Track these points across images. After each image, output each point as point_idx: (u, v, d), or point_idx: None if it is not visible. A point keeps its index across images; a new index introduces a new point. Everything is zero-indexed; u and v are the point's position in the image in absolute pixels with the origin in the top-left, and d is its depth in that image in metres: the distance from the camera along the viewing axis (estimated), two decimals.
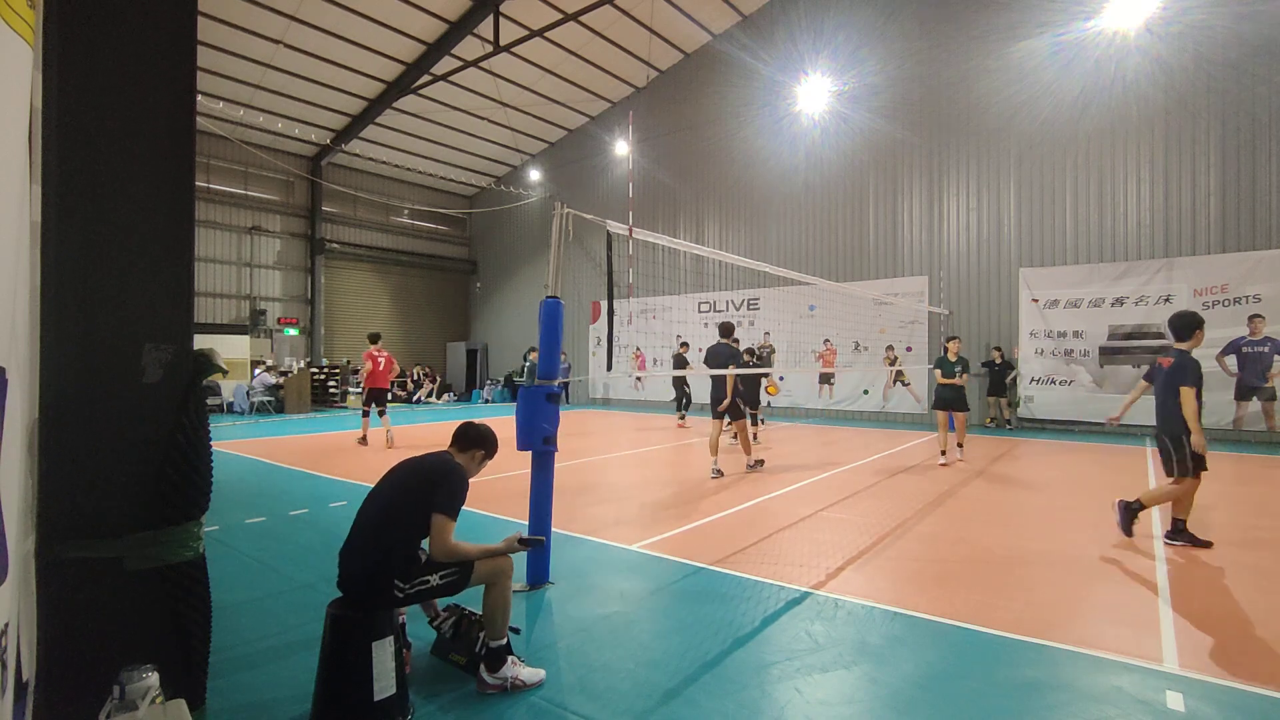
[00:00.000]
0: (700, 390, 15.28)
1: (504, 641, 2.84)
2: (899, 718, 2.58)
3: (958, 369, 8.74)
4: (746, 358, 11.07)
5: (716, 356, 8.09)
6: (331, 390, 19.64)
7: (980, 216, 13.62)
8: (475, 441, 3.08)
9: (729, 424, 8.58)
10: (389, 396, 11.21)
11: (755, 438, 10.53)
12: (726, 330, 8.50)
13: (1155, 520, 5.66)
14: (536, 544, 3.17)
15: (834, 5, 15.35)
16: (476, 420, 3.19)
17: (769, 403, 16.56)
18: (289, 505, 6.36)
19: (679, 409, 14.40)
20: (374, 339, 11.10)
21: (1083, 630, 3.39)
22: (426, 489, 2.74)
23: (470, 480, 3.01)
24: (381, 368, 10.84)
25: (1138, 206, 11.98)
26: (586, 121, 20.77)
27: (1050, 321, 12.76)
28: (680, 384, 14.67)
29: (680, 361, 13.58)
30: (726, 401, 8.06)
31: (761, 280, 16.21)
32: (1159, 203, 11.78)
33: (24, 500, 1.74)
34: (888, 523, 5.64)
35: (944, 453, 8.76)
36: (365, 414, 10.95)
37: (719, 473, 7.80)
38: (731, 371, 7.87)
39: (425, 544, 2.81)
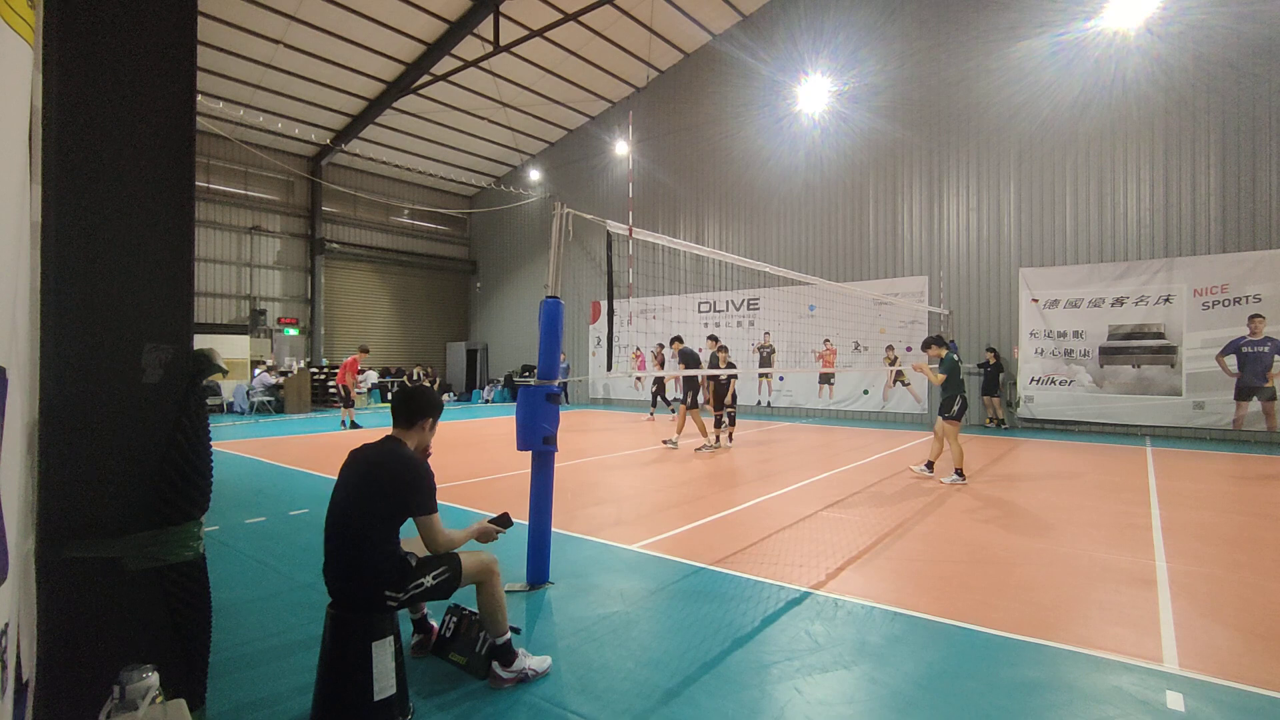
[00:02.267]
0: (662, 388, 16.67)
1: (507, 637, 2.85)
2: (899, 718, 2.58)
3: (932, 367, 7.97)
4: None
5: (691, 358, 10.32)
6: (331, 390, 19.63)
7: (980, 216, 13.62)
8: (421, 410, 2.77)
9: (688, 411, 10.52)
10: (348, 392, 13.82)
11: (730, 438, 11.10)
12: (681, 340, 10.87)
13: (1155, 515, 5.66)
14: (507, 523, 3.05)
15: (834, 5, 15.35)
16: (408, 385, 3.01)
17: (768, 402, 16.58)
18: (289, 505, 6.36)
19: (655, 405, 15.91)
20: (361, 350, 14.20)
21: (1083, 630, 3.39)
22: (395, 498, 2.57)
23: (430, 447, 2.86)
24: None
25: (1138, 206, 11.98)
26: (586, 121, 20.77)
27: (1050, 321, 12.75)
28: (662, 383, 15.96)
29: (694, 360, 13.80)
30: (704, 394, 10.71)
31: (761, 280, 16.21)
32: (1159, 203, 11.78)
33: (24, 500, 1.74)
34: (888, 523, 5.64)
35: (931, 465, 7.94)
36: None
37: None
38: (725, 372, 9.52)
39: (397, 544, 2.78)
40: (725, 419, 10.65)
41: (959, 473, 7.47)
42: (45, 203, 1.97)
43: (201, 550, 2.41)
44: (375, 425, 14.10)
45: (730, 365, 10.67)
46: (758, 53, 16.63)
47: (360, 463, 2.64)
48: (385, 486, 2.55)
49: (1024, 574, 4.29)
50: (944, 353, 7.89)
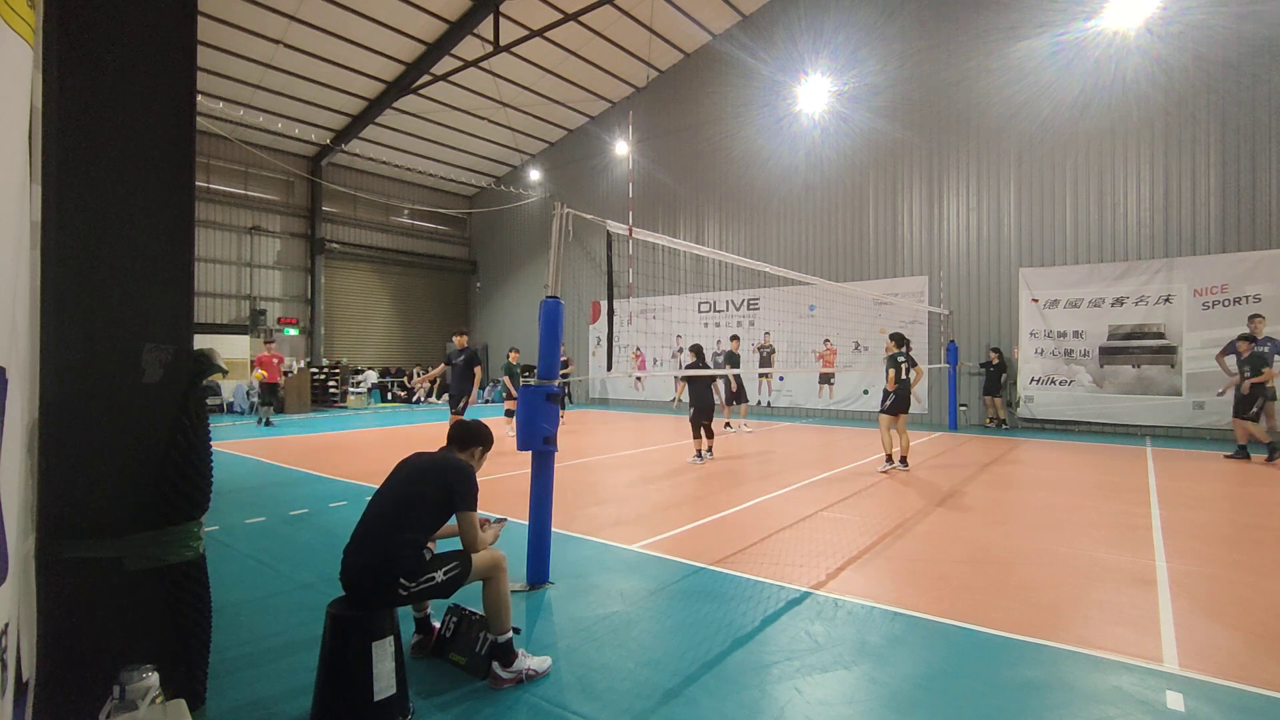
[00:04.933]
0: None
1: (509, 635, 2.87)
2: (899, 718, 2.58)
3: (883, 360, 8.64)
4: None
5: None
6: (331, 390, 19.64)
7: (980, 216, 13.62)
8: (472, 439, 3.17)
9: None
10: (275, 389, 14.37)
11: (710, 450, 9.51)
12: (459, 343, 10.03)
13: (1155, 515, 5.66)
14: (501, 523, 3.39)
15: (834, 5, 15.35)
16: (467, 419, 3.26)
17: (768, 402, 16.58)
18: (289, 505, 6.36)
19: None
20: (267, 341, 14.65)
21: (1083, 630, 3.39)
22: (443, 490, 2.83)
23: None
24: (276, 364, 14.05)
25: (1138, 206, 11.98)
26: (586, 121, 20.77)
27: (1050, 321, 12.75)
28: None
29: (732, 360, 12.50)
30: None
31: (761, 280, 16.20)
32: (1159, 203, 11.78)
33: (24, 500, 1.74)
34: (888, 523, 5.64)
35: (890, 458, 8.35)
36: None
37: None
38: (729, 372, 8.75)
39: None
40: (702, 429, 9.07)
41: (889, 459, 8.35)
42: (45, 203, 1.97)
43: (201, 550, 2.41)
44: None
45: (695, 365, 9.23)
46: (758, 53, 16.62)
47: (420, 459, 2.99)
48: (433, 482, 2.85)
49: (1024, 574, 4.29)
50: (893, 351, 8.51)
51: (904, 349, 8.54)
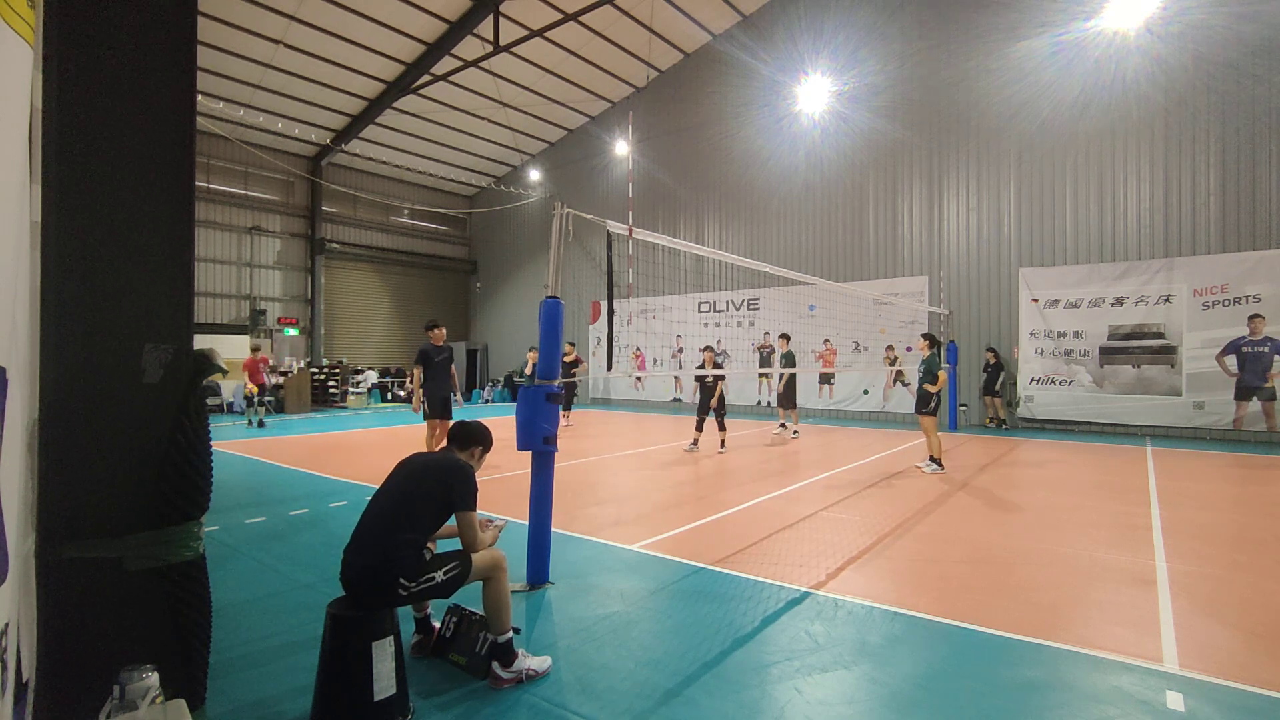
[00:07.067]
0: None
1: (509, 635, 2.87)
2: (899, 718, 2.58)
3: (923, 361, 8.46)
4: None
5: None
6: (331, 390, 19.64)
7: (980, 216, 13.62)
8: (472, 439, 3.20)
9: None
10: (262, 391, 14.22)
11: (722, 444, 10.21)
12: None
13: (1155, 515, 5.66)
14: (501, 525, 3.44)
15: (834, 5, 15.35)
16: (467, 420, 3.28)
17: (768, 402, 16.57)
18: (289, 505, 6.36)
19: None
20: (254, 349, 14.16)
21: (1083, 630, 3.39)
22: (443, 489, 2.84)
23: None
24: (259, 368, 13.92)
25: (1138, 206, 11.98)
26: (586, 121, 20.77)
27: (1050, 321, 12.75)
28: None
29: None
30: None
31: (761, 280, 16.20)
32: (1159, 203, 11.78)
33: (24, 500, 1.74)
34: (888, 523, 5.64)
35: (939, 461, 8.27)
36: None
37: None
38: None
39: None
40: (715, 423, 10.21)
41: (938, 462, 8.18)
42: (45, 203, 1.97)
43: (201, 550, 2.41)
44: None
45: (716, 365, 10.22)
46: (758, 53, 16.62)
47: (420, 459, 3.01)
48: (441, 476, 2.87)
49: (1024, 574, 4.29)
50: (930, 353, 8.42)
51: (937, 349, 8.43)
